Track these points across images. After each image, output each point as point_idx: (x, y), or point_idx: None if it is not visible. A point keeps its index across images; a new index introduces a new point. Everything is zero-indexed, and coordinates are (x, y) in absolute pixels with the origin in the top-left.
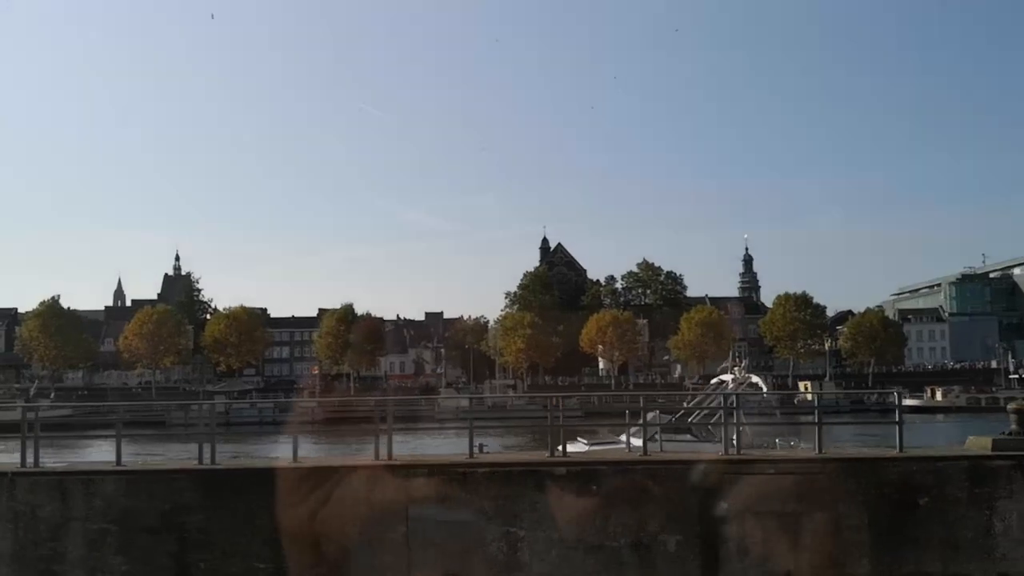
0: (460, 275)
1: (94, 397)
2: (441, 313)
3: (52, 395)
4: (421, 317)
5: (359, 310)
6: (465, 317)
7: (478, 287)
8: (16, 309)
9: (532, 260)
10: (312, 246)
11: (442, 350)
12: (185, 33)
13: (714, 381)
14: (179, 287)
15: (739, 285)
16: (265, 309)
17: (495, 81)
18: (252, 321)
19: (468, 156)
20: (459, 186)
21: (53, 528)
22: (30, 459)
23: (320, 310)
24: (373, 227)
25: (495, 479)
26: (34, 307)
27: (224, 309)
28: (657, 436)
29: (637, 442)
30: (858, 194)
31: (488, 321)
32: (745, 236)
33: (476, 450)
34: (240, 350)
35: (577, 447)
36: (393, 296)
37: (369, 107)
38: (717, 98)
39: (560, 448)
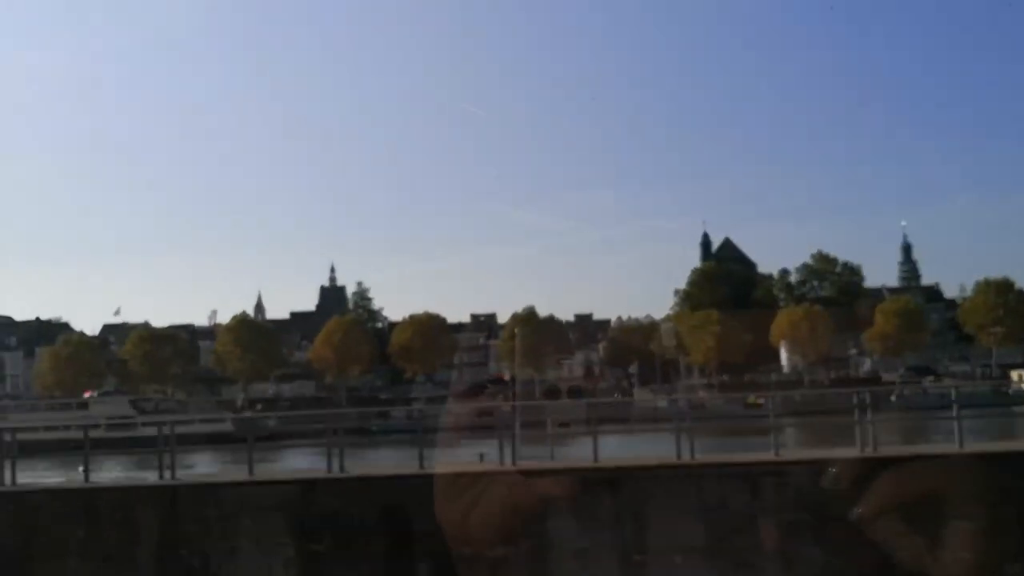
0: (593, 274)
1: (293, 407)
2: (591, 315)
3: (259, 406)
4: (570, 318)
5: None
6: (624, 317)
7: (611, 285)
8: (193, 324)
9: (683, 255)
10: (424, 252)
11: (598, 353)
12: (299, 43)
13: None
14: (336, 298)
15: (899, 274)
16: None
17: (613, 74)
18: (438, 327)
19: (584, 153)
20: (575, 183)
21: (746, 520)
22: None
23: (472, 315)
24: (488, 230)
25: None
26: (226, 321)
27: (409, 316)
28: None
29: None
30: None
31: (653, 319)
32: (903, 224)
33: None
34: (425, 356)
35: None
36: (523, 299)
37: (471, 106)
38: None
39: None
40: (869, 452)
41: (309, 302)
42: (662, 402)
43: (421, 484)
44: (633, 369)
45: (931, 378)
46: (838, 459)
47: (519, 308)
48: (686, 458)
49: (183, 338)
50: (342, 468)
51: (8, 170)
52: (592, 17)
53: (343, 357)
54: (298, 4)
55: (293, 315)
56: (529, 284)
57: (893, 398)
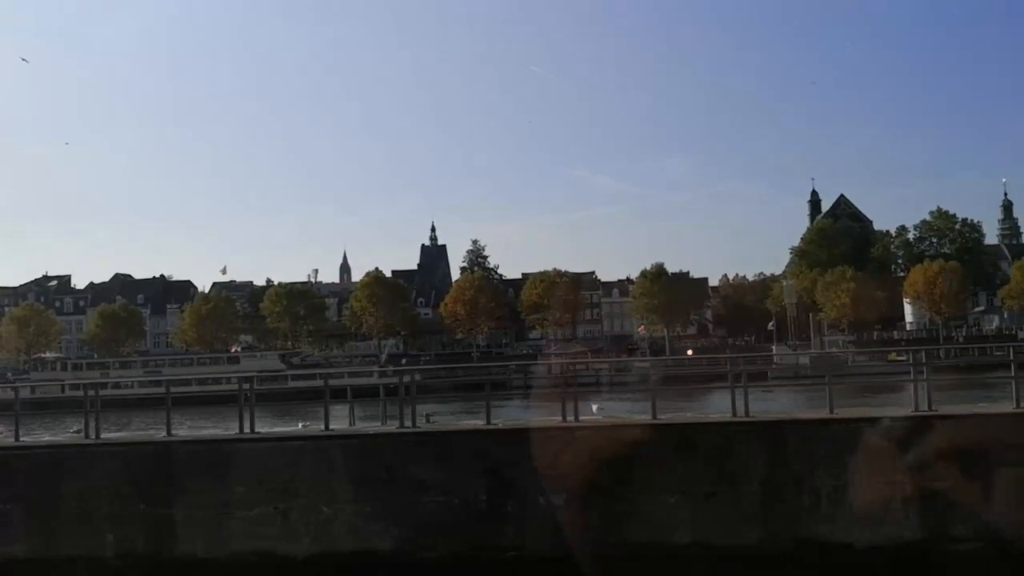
0: (684, 235)
1: (432, 362)
2: (687, 273)
3: (404, 360)
4: None
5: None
6: (730, 276)
7: (706, 244)
8: (311, 282)
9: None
10: (510, 214)
11: (712, 310)
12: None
13: None
14: (437, 256)
15: (999, 231)
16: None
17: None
18: (568, 285)
19: (672, 117)
20: (661, 147)
21: None
22: None
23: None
24: (573, 193)
25: None
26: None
27: (538, 272)
28: None
29: None
30: None
31: (764, 277)
32: (1004, 181)
33: None
34: (554, 313)
35: None
36: (615, 260)
37: (539, 69)
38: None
39: None
40: None
41: (401, 262)
42: (804, 359)
43: None
44: (772, 326)
45: None
46: None
47: (615, 269)
48: None
49: (316, 294)
50: (918, 406)
51: (111, 136)
52: None
53: (473, 314)
54: None
55: (395, 273)
56: (619, 245)
57: None
